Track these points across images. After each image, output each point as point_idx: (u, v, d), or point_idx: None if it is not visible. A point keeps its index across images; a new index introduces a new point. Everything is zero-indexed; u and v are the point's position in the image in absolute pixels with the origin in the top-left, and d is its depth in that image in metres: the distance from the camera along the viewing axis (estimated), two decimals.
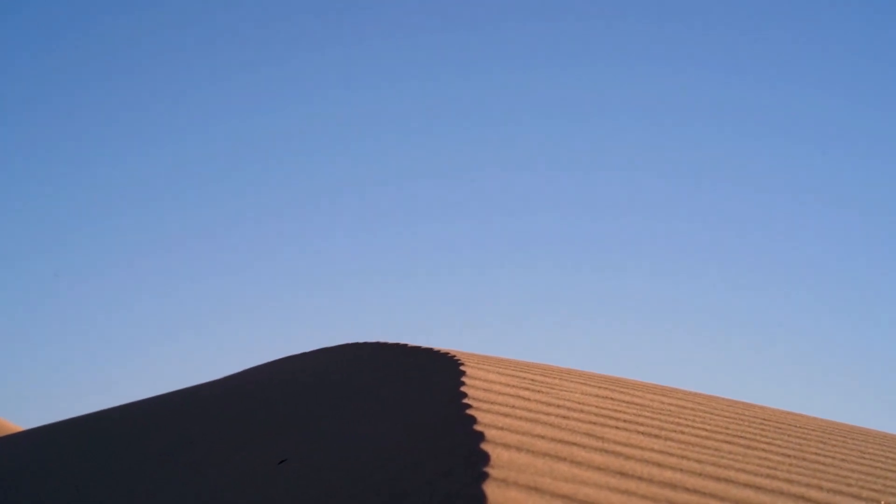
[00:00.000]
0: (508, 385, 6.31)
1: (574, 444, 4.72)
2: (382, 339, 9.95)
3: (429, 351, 8.25)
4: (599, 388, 7.25)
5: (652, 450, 4.98)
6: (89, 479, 8.39)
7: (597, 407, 6.14)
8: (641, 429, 5.63)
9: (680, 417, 6.50)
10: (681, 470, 4.58)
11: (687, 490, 4.17)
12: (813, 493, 4.67)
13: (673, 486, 4.20)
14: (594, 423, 5.47)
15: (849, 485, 5.11)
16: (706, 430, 6.16)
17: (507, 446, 4.30)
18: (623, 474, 4.23)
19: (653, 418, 6.17)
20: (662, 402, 7.18)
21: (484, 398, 5.58)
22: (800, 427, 7.35)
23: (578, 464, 4.26)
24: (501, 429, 4.70)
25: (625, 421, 5.80)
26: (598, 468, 4.26)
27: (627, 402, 6.71)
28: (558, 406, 5.84)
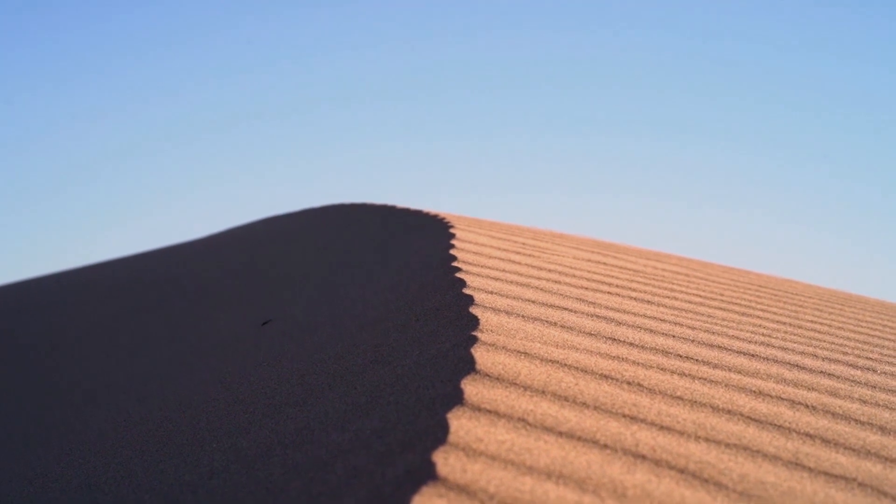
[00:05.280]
0: (499, 248, 6.21)
1: (565, 308, 4.64)
2: (369, 201, 9.82)
3: (418, 213, 8.12)
4: (592, 252, 7.16)
5: (644, 315, 4.92)
6: (61, 334, 8.31)
7: (588, 272, 6.06)
8: (634, 294, 5.55)
9: (673, 283, 6.43)
10: (673, 336, 4.52)
11: (679, 357, 4.09)
12: (808, 361, 4.59)
13: (665, 352, 4.12)
14: (586, 288, 5.39)
15: (845, 353, 5.04)
16: (700, 296, 6.09)
17: (496, 310, 4.20)
18: (614, 340, 4.15)
19: (646, 284, 6.09)
20: (656, 268, 7.10)
21: (473, 261, 5.48)
22: (796, 294, 7.29)
23: (569, 329, 4.18)
24: (491, 292, 4.60)
25: (617, 286, 5.72)
26: (590, 333, 4.18)
27: (620, 267, 6.62)
28: (549, 270, 5.75)
